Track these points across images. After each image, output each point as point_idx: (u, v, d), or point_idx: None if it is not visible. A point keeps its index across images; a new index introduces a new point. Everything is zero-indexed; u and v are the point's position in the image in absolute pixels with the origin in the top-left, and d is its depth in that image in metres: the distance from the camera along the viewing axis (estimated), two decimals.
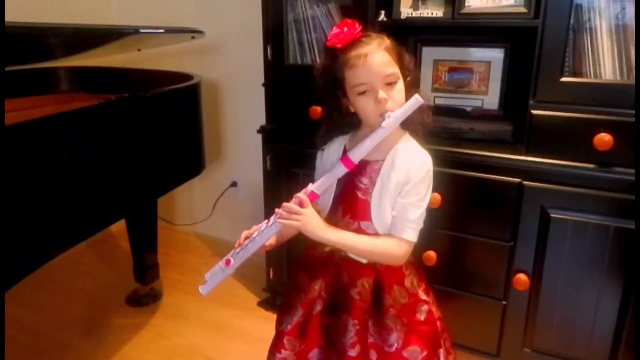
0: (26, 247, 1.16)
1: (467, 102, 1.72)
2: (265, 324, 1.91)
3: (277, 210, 1.02)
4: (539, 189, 1.39)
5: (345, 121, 1.08)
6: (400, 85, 1.00)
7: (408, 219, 1.01)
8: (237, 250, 1.04)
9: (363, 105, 1.00)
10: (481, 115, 1.63)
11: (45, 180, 1.19)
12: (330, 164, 1.05)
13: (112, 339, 1.85)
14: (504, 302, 1.51)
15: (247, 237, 1.05)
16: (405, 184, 1.01)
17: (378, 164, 1.03)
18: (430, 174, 1.04)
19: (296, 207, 0.99)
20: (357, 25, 1.00)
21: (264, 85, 1.82)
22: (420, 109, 0.98)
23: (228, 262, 1.03)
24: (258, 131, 1.86)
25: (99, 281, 2.25)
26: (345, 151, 1.07)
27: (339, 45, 0.99)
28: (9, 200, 1.07)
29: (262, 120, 1.86)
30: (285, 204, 1.01)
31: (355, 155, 0.99)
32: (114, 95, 1.52)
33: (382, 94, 0.96)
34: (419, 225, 1.04)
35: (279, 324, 1.15)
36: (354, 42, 0.99)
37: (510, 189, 1.42)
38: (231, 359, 1.75)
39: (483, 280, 1.52)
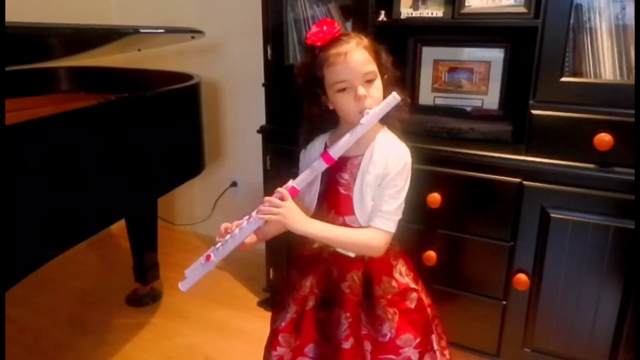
0: (26, 247, 1.16)
1: (467, 102, 1.72)
2: (265, 324, 1.88)
3: (260, 207, 1.03)
4: (539, 189, 1.39)
5: (325, 118, 1.09)
6: (379, 83, 1.02)
7: (385, 210, 1.03)
8: (218, 245, 1.05)
9: (343, 103, 1.02)
10: (481, 115, 1.63)
11: (45, 180, 1.19)
12: (312, 161, 1.06)
13: (112, 339, 1.85)
14: (504, 302, 1.51)
15: (226, 229, 1.06)
16: (385, 176, 1.03)
17: (358, 159, 1.05)
18: (409, 166, 1.05)
19: (277, 201, 1.01)
20: (336, 24, 1.02)
21: (264, 85, 1.82)
22: (397, 106, 1.01)
23: (208, 257, 1.04)
24: (258, 131, 1.86)
25: (99, 281, 2.26)
26: (325, 148, 1.09)
27: (319, 44, 1.01)
28: (9, 200, 1.07)
29: (262, 120, 1.86)
30: (266, 197, 1.02)
31: (335, 151, 1.01)
32: (114, 95, 1.51)
33: (361, 90, 0.99)
34: (397, 216, 1.05)
35: (273, 322, 1.17)
36: (334, 41, 1.01)
37: (510, 189, 1.42)
38: (231, 359, 1.75)
39: (483, 280, 1.52)
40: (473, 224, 1.49)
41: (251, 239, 1.07)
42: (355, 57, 0.99)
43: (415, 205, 1.50)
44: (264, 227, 1.05)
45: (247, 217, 1.04)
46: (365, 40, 1.03)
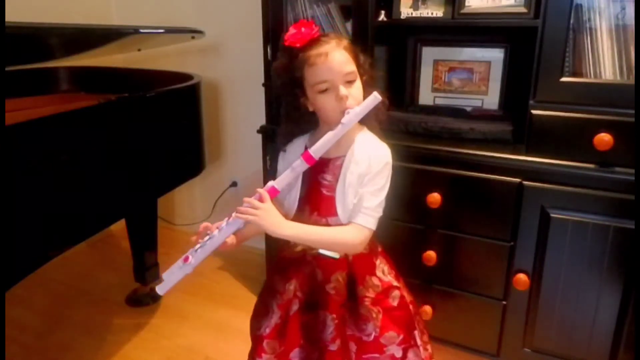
0: (26, 247, 1.16)
1: (467, 102, 1.72)
2: None
3: (238, 207, 1.01)
4: (539, 189, 1.39)
5: (304, 119, 1.09)
6: (359, 83, 1.03)
7: (365, 206, 1.03)
8: (196, 247, 1.02)
9: (324, 103, 1.02)
10: (481, 115, 1.63)
11: (45, 181, 1.19)
12: (291, 163, 1.05)
13: (112, 339, 1.85)
14: (504, 302, 1.51)
15: (205, 228, 1.04)
16: (366, 175, 1.03)
17: (340, 160, 1.05)
18: (390, 166, 1.06)
19: (255, 202, 0.99)
20: (314, 25, 1.02)
21: (264, 85, 1.82)
22: (376, 107, 1.01)
23: (186, 259, 1.01)
24: (258, 131, 1.86)
25: (99, 281, 2.25)
26: (306, 149, 1.08)
27: (298, 45, 1.01)
28: (9, 200, 1.07)
29: (262, 120, 1.86)
30: (245, 198, 1.01)
31: (316, 151, 1.00)
32: (114, 95, 1.51)
33: (343, 90, 0.99)
34: (377, 213, 1.05)
35: (256, 329, 1.14)
36: (313, 42, 1.01)
37: (510, 189, 1.42)
38: (231, 359, 1.75)
39: (483, 280, 1.52)
40: (473, 224, 1.49)
41: (231, 240, 1.04)
42: (337, 57, 0.99)
43: (415, 205, 1.51)
44: (242, 228, 1.03)
45: (226, 218, 1.02)
46: (344, 41, 1.03)
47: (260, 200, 1.00)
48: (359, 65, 1.04)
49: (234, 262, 2.25)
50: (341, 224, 1.05)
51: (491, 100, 1.70)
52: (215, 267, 2.29)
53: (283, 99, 1.09)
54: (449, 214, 1.50)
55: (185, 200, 2.74)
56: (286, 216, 1.05)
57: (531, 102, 1.39)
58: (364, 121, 1.05)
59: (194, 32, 1.87)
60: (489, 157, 1.44)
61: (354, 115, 0.99)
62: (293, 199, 1.09)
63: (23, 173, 1.13)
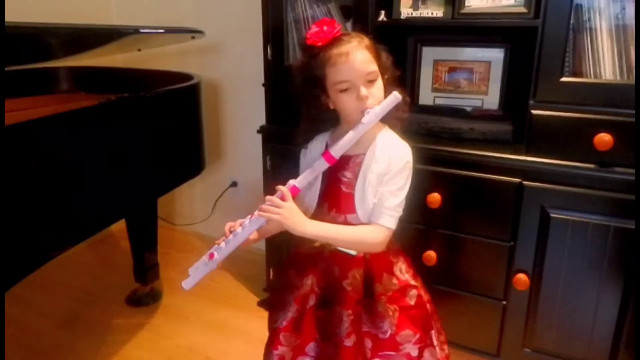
0: (26, 247, 1.15)
1: (467, 102, 1.72)
2: (265, 324, 1.89)
3: (261, 206, 1.03)
4: (539, 189, 1.39)
5: (325, 118, 1.10)
6: (380, 83, 1.03)
7: (386, 206, 1.03)
8: (221, 244, 1.05)
9: (344, 102, 1.02)
10: (481, 115, 1.63)
11: (45, 180, 1.19)
12: (313, 161, 1.06)
13: (112, 339, 1.84)
14: (504, 302, 1.51)
15: (230, 229, 1.06)
16: (386, 174, 1.03)
17: (360, 158, 1.06)
18: (410, 165, 1.06)
19: (278, 201, 1.01)
20: (336, 23, 1.02)
21: (264, 85, 1.82)
22: (397, 106, 1.02)
23: (211, 255, 1.05)
24: (258, 131, 1.86)
25: (99, 281, 2.25)
26: (327, 147, 1.09)
27: (320, 44, 1.01)
28: (9, 200, 1.07)
29: (262, 120, 1.86)
30: (268, 197, 1.02)
31: (336, 151, 1.01)
32: (114, 95, 1.51)
33: (363, 91, 0.99)
34: (398, 213, 1.05)
35: (273, 321, 1.16)
36: (335, 41, 1.01)
37: (510, 189, 1.42)
38: (231, 359, 1.75)
39: (483, 280, 1.52)
40: (473, 224, 1.49)
41: (253, 235, 1.08)
42: (358, 57, 0.99)
43: (415, 205, 1.50)
44: (265, 225, 1.06)
45: (249, 215, 1.05)
46: (366, 40, 1.03)
47: (282, 199, 1.01)
48: (380, 64, 1.03)
49: (234, 262, 2.25)
50: (360, 222, 1.06)
51: (491, 100, 1.70)
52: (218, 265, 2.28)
53: (303, 98, 1.09)
54: (449, 214, 1.50)
55: (185, 200, 2.74)
56: (305, 212, 1.06)
57: (531, 102, 1.39)
58: (384, 119, 1.05)
59: (194, 32, 1.86)
60: (488, 157, 1.44)
61: (373, 115, 0.99)
62: (313, 196, 1.10)
63: (23, 173, 1.13)
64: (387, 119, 1.06)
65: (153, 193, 1.77)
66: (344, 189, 1.07)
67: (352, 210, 1.06)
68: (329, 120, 1.10)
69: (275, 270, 1.96)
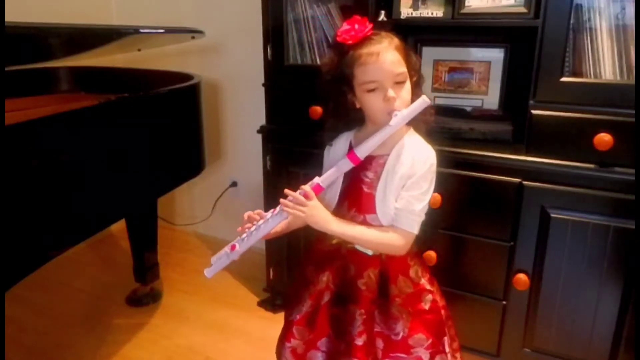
0: (26, 247, 1.15)
1: (467, 102, 1.72)
2: (265, 324, 1.91)
3: (282, 200, 1.03)
4: (539, 189, 1.39)
5: (350, 116, 1.09)
6: (408, 85, 1.02)
7: (410, 211, 1.03)
8: (243, 236, 1.06)
9: (371, 103, 1.02)
10: (481, 115, 1.63)
11: (45, 180, 1.19)
12: (336, 158, 1.07)
13: (112, 339, 1.84)
14: (504, 302, 1.51)
15: (249, 217, 1.07)
16: (409, 178, 1.03)
17: (383, 159, 1.05)
18: (434, 168, 1.06)
19: (302, 199, 1.01)
20: (367, 23, 1.01)
21: (264, 85, 1.82)
22: (424, 110, 1.01)
23: (233, 247, 1.06)
24: (258, 131, 1.86)
25: (99, 281, 2.25)
26: (350, 146, 1.09)
27: (350, 42, 1.01)
28: (9, 200, 1.07)
29: (262, 120, 1.86)
30: (290, 192, 1.02)
31: (362, 152, 1.01)
32: (114, 95, 1.51)
33: (391, 92, 0.99)
34: (421, 217, 1.05)
35: (288, 315, 1.18)
36: (365, 40, 1.00)
37: (510, 189, 1.42)
38: (231, 359, 1.75)
39: (483, 280, 1.52)
40: (473, 224, 1.49)
41: (276, 228, 1.08)
42: (388, 57, 0.98)
43: None
44: (289, 219, 1.07)
45: (272, 210, 1.05)
46: (396, 40, 1.02)
47: (306, 197, 1.01)
48: (409, 66, 1.03)
49: (234, 262, 2.25)
50: (379, 222, 1.05)
51: (491, 100, 1.70)
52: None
53: (330, 95, 1.09)
54: (449, 214, 1.50)
55: (185, 200, 2.74)
56: (326, 209, 1.06)
57: (531, 102, 1.39)
58: (410, 122, 1.04)
59: (194, 32, 1.86)
60: (489, 157, 1.44)
61: (401, 119, 0.99)
62: (334, 194, 1.09)
63: (23, 173, 1.13)
64: (412, 122, 1.06)
65: (153, 193, 1.77)
66: (365, 189, 1.07)
67: (372, 210, 1.06)
68: (354, 118, 1.10)
69: (276, 270, 1.96)
